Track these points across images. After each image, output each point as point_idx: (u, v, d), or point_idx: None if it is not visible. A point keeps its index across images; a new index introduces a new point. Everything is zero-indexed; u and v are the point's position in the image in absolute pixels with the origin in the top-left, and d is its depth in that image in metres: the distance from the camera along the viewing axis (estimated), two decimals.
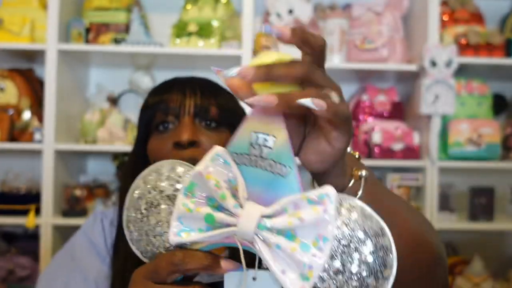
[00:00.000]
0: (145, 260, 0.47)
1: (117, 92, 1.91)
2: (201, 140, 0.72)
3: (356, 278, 0.39)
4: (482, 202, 1.77)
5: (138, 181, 0.47)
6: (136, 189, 0.47)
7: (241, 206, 0.40)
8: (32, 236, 1.79)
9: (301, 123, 0.45)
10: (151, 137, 0.75)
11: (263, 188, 0.42)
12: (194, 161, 0.69)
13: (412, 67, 1.72)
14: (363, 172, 0.48)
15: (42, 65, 1.65)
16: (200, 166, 0.42)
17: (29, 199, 1.66)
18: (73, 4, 1.79)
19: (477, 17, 1.83)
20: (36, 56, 1.75)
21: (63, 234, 1.66)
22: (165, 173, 0.46)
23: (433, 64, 1.64)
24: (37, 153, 1.66)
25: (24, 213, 1.62)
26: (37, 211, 1.63)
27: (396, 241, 0.41)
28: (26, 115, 1.70)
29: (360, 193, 0.48)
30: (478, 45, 1.72)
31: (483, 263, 1.73)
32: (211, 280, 0.47)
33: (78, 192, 1.67)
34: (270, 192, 0.42)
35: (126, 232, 0.47)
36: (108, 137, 1.69)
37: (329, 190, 0.39)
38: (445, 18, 1.83)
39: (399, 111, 1.86)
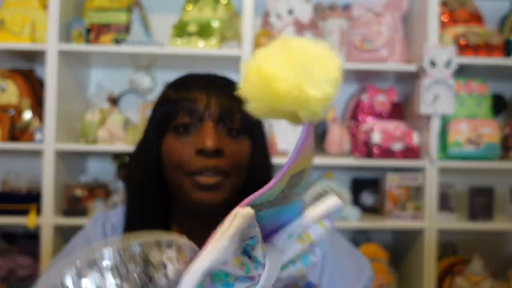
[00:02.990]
0: None
1: (117, 92, 1.92)
2: (225, 149, 0.67)
3: None
4: (481, 202, 1.78)
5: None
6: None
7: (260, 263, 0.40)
8: (33, 236, 1.80)
9: None
10: (167, 136, 0.70)
11: (270, 221, 0.41)
12: (218, 170, 0.66)
13: (412, 67, 1.72)
14: None
15: (43, 65, 1.66)
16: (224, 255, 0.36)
17: (30, 199, 1.66)
18: (74, 4, 1.79)
19: (476, 18, 1.84)
20: (36, 56, 1.75)
21: (64, 234, 1.67)
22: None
23: (433, 64, 1.64)
24: (38, 153, 1.66)
25: (25, 213, 1.62)
26: (38, 211, 1.63)
27: None
28: (27, 115, 1.70)
29: None
30: (477, 45, 1.73)
31: (483, 263, 1.74)
32: None
33: (78, 192, 1.67)
34: (275, 222, 0.41)
35: None
36: (108, 137, 1.69)
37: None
38: (445, 18, 1.83)
39: (399, 111, 1.86)
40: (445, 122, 1.73)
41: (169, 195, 0.73)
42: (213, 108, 0.68)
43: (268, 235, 0.42)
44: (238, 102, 0.70)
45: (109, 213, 0.82)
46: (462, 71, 1.77)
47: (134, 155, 0.76)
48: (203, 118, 0.68)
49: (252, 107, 0.39)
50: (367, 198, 1.93)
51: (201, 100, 0.68)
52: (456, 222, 1.75)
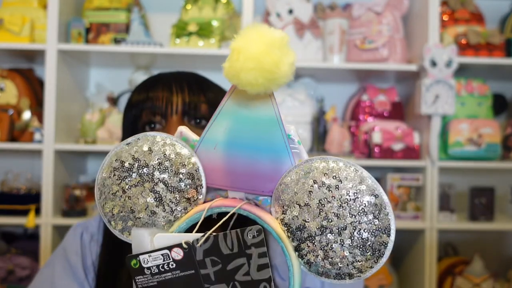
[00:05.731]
0: None
1: (117, 92, 1.91)
2: None
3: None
4: (482, 202, 1.77)
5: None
6: None
7: None
8: (32, 236, 1.80)
9: None
10: None
11: None
12: None
13: (412, 67, 1.72)
14: None
15: (42, 65, 1.65)
16: None
17: (29, 199, 1.66)
18: (73, 4, 1.79)
19: (477, 17, 1.83)
20: (36, 56, 1.75)
21: (63, 234, 1.66)
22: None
23: (433, 64, 1.64)
24: (37, 153, 1.66)
25: (24, 213, 1.62)
26: (37, 211, 1.63)
27: None
28: (26, 115, 1.70)
29: None
30: (478, 45, 1.72)
31: (483, 263, 1.73)
32: None
33: (78, 192, 1.67)
34: None
35: None
36: (108, 137, 1.69)
37: None
38: (445, 18, 1.83)
39: (399, 111, 1.86)
40: (446, 122, 1.73)
41: None
42: (175, 102, 0.69)
43: None
44: (203, 93, 0.71)
45: (88, 222, 0.82)
46: (462, 71, 1.77)
47: None
48: (167, 115, 0.69)
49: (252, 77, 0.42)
50: None
51: (163, 97, 0.70)
52: (457, 222, 1.75)
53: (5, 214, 1.64)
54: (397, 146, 1.70)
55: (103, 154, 1.89)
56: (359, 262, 0.44)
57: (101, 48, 1.67)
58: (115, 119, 1.73)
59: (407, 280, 1.84)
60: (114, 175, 0.48)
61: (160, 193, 0.48)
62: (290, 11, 1.76)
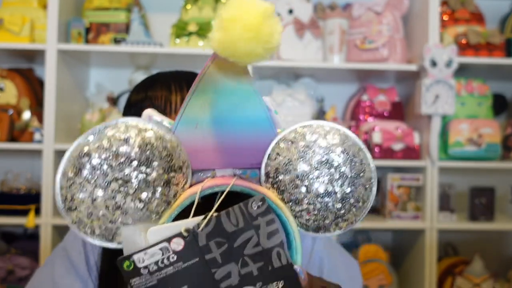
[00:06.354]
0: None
1: (117, 92, 1.91)
2: None
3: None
4: (482, 202, 1.77)
5: None
6: None
7: None
8: (32, 236, 1.79)
9: None
10: None
11: None
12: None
13: (412, 67, 1.71)
14: None
15: (42, 65, 1.65)
16: None
17: (29, 199, 1.65)
18: (73, 4, 1.79)
19: (477, 17, 1.83)
20: (36, 56, 1.75)
21: (63, 234, 1.66)
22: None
23: (433, 64, 1.64)
24: (37, 153, 1.66)
25: (24, 213, 1.61)
26: (37, 211, 1.63)
27: None
28: (26, 115, 1.70)
29: None
30: (478, 45, 1.72)
31: (483, 263, 1.73)
32: None
33: None
34: None
35: None
36: None
37: None
38: (445, 18, 1.83)
39: (399, 111, 1.86)
40: (446, 122, 1.73)
41: None
42: (174, 101, 0.69)
43: None
44: None
45: None
46: (463, 71, 1.76)
47: None
48: (166, 114, 0.69)
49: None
50: None
51: (161, 96, 0.69)
52: (457, 223, 1.75)
53: (5, 214, 1.64)
54: (397, 146, 1.70)
55: None
56: (352, 210, 0.47)
57: (101, 48, 1.67)
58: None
59: (407, 280, 1.84)
60: (86, 172, 0.43)
61: (145, 182, 0.43)
62: (290, 11, 1.76)
